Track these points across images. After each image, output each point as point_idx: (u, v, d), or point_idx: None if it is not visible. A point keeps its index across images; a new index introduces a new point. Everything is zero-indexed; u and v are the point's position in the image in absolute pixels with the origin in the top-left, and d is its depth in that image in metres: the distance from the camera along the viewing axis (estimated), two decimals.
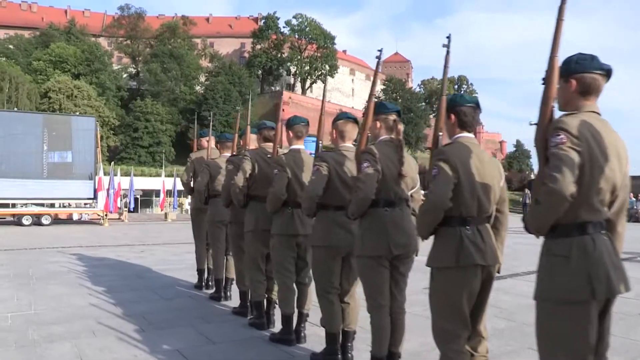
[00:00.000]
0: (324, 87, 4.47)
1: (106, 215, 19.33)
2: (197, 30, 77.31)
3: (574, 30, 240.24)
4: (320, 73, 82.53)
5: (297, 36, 79.78)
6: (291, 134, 4.11)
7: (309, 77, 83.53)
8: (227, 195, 4.59)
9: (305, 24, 79.17)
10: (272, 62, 78.84)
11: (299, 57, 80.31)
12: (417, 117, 78.96)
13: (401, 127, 3.25)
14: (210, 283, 6.22)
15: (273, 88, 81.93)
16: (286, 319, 4.06)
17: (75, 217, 21.45)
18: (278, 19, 79.61)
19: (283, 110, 73.75)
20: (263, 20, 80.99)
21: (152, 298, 5.87)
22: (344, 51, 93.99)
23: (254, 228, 4.32)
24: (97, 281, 6.89)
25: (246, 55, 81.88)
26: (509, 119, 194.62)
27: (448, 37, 2.73)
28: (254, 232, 4.33)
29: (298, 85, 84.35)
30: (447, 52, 2.71)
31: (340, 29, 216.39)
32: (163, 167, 54.29)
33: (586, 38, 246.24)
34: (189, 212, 6.70)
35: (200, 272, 6.40)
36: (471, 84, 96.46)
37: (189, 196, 6.89)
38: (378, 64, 3.28)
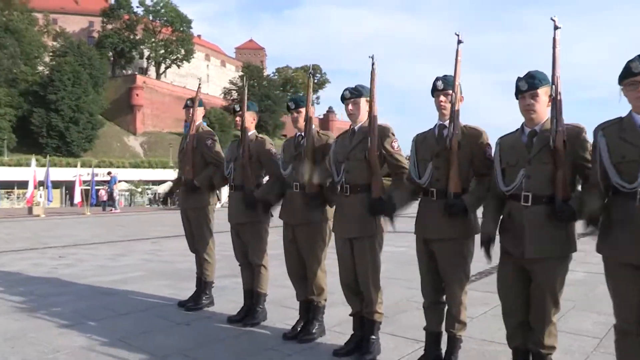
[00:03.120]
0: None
1: None
2: (38, 4, 69.88)
3: (413, 28, 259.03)
4: (175, 57, 79.84)
5: (151, 17, 76.26)
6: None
7: (163, 62, 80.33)
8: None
9: (161, 5, 75.98)
10: (124, 44, 74.51)
11: (153, 39, 76.86)
12: (274, 105, 79.96)
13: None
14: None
15: (125, 72, 77.48)
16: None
17: None
18: None
19: (137, 95, 70.27)
20: None
21: (167, 326, 4.26)
22: (199, 36, 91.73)
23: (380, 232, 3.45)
24: (52, 305, 4.92)
25: (95, 35, 76.23)
26: None
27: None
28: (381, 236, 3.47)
29: (152, 70, 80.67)
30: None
31: (192, 15, 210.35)
32: (6, 155, 49.19)
33: (424, 36, 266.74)
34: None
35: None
36: (324, 73, 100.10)
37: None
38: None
